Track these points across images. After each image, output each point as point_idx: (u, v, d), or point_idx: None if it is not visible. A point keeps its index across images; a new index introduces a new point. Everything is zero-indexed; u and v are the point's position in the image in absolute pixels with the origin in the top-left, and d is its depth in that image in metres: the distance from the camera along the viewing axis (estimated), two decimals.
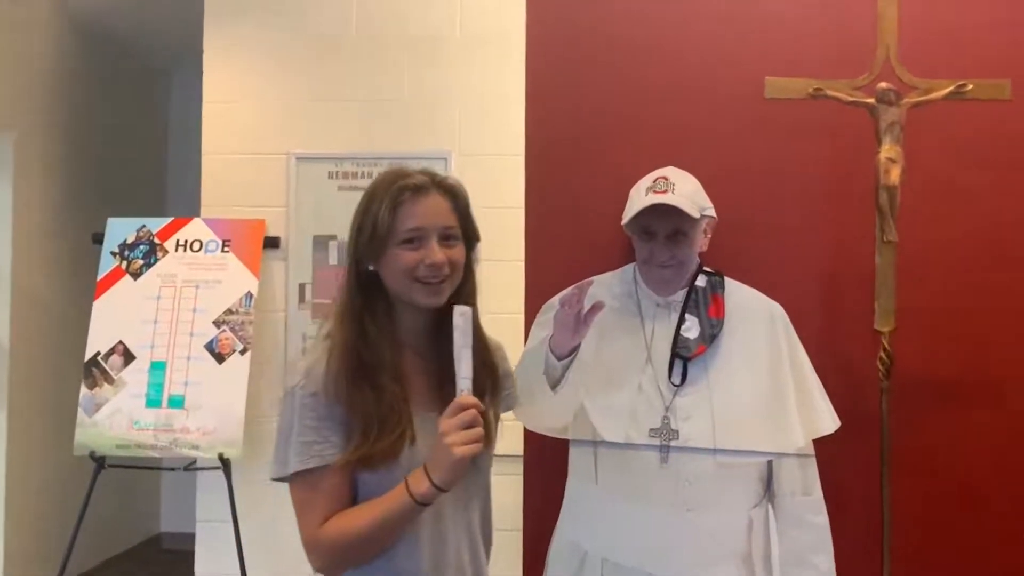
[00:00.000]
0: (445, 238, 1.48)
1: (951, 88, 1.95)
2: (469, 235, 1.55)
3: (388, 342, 1.48)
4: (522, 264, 2.26)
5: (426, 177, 1.50)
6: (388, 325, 1.50)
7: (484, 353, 1.56)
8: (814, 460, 1.95)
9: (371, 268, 1.50)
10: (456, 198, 1.53)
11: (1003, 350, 2.11)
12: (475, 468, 1.52)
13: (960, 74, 1.98)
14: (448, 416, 1.37)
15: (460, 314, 1.41)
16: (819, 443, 1.95)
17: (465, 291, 1.54)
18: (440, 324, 1.49)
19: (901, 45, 1.99)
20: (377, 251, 1.48)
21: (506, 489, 2.93)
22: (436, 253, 1.46)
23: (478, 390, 1.47)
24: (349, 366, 1.44)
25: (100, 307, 3.36)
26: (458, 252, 1.51)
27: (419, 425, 1.46)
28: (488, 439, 1.52)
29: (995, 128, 2.12)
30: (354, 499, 1.46)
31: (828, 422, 1.95)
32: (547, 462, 2.13)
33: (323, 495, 1.43)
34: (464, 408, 1.37)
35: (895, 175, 1.90)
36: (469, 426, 1.36)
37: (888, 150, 1.92)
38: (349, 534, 1.42)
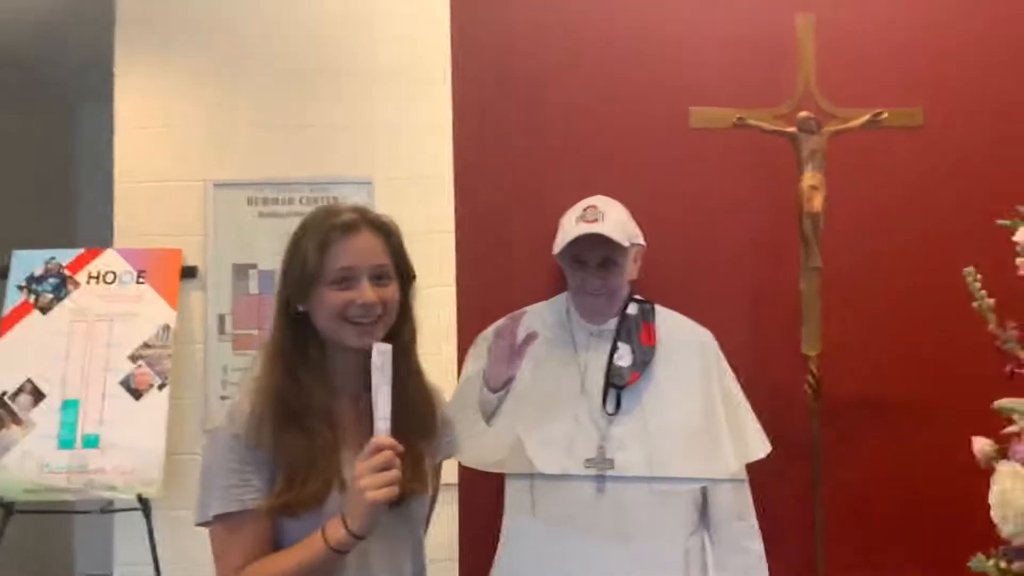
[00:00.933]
0: (377, 277, 1.43)
1: (868, 117, 2.01)
2: (403, 273, 1.50)
3: (319, 386, 1.43)
4: (451, 289, 2.23)
5: (356, 215, 1.45)
6: (320, 368, 1.44)
7: (422, 395, 1.52)
8: (747, 485, 1.97)
9: (301, 309, 1.44)
10: (388, 235, 1.48)
11: (928, 369, 2.17)
12: (404, 517, 1.47)
13: (878, 101, 2.03)
14: (363, 458, 1.32)
15: (379, 352, 1.36)
16: (752, 468, 1.97)
17: (404, 332, 1.50)
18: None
19: (820, 74, 2.04)
20: (306, 291, 1.42)
21: (441, 519, 2.90)
22: (367, 293, 1.41)
23: (415, 434, 1.44)
24: (275, 411, 1.39)
25: (6, 344, 3.20)
26: (391, 291, 1.45)
27: (348, 473, 1.39)
28: (421, 483, 1.47)
29: (911, 154, 2.19)
30: (275, 546, 1.40)
31: (760, 446, 1.97)
32: (482, 491, 2.10)
33: (241, 541, 1.38)
34: (380, 449, 1.31)
35: (817, 202, 1.94)
36: (384, 468, 1.31)
37: (810, 178, 1.96)
38: None
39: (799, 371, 2.04)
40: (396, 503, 1.37)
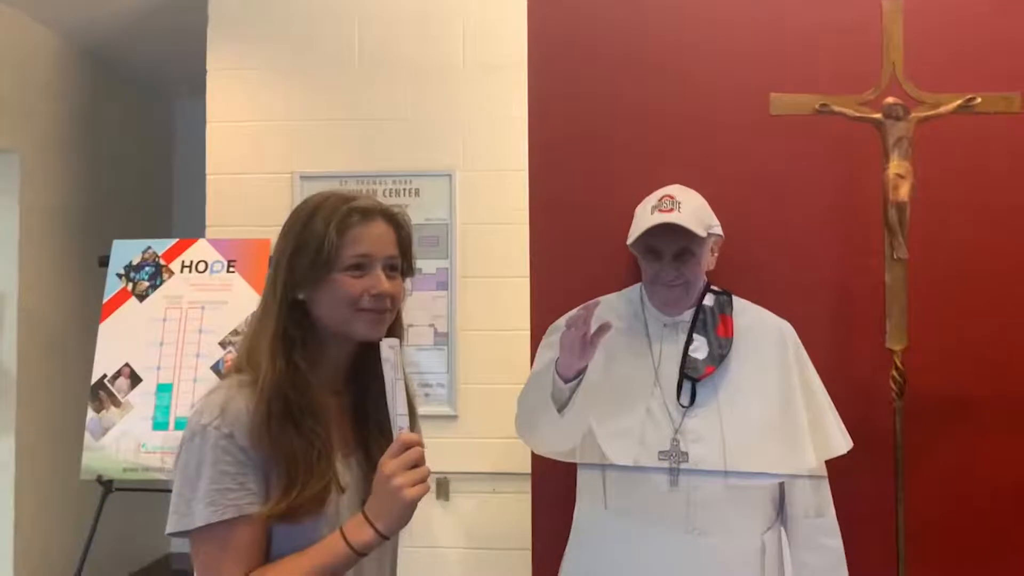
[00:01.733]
0: (390, 268, 1.38)
1: (959, 102, 1.92)
2: (405, 268, 1.44)
3: (318, 381, 1.35)
4: (526, 281, 2.24)
5: (371, 202, 1.39)
6: (313, 363, 1.36)
7: (410, 392, 1.43)
8: (827, 482, 1.92)
9: (300, 297, 1.35)
10: (400, 229, 1.42)
11: (1020, 366, 2.07)
12: None
13: (967, 88, 1.94)
14: (391, 456, 1.26)
15: (389, 347, 1.30)
16: (832, 464, 1.92)
17: (397, 330, 1.43)
18: (357, 360, 1.41)
19: (907, 60, 1.96)
20: (316, 277, 1.34)
21: (515, 508, 2.92)
22: (383, 282, 1.35)
23: (414, 430, 1.38)
24: (275, 406, 1.29)
25: (106, 329, 3.36)
26: (399, 286, 1.40)
27: (342, 471, 1.34)
28: None
29: (1004, 141, 2.09)
30: (267, 554, 1.30)
31: (841, 443, 1.92)
32: (556, 480, 2.10)
33: (238, 552, 1.27)
34: (407, 446, 1.26)
35: (904, 191, 1.87)
36: (415, 465, 1.26)
37: (896, 166, 1.89)
38: None
39: (883, 366, 1.97)
40: None
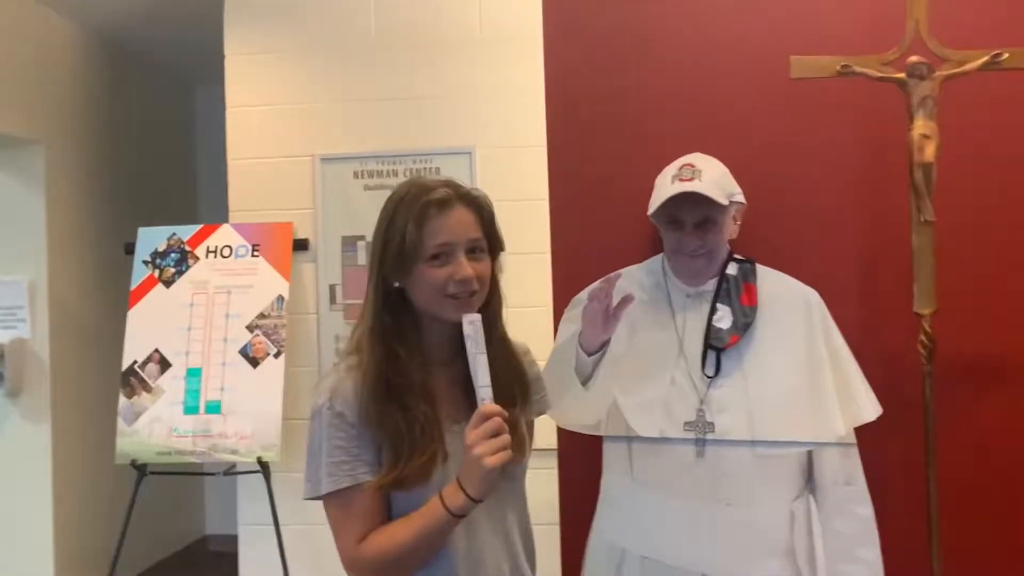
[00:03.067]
0: (472, 251, 1.47)
1: (986, 59, 1.86)
2: (493, 245, 1.53)
3: (417, 362, 1.47)
4: (548, 256, 2.22)
5: (450, 190, 1.48)
6: (416, 344, 1.49)
7: (511, 360, 1.55)
8: (856, 449, 1.90)
9: (397, 285, 1.48)
10: (481, 209, 1.51)
11: None
12: (507, 477, 1.50)
13: (993, 44, 1.89)
14: (472, 427, 1.37)
15: (469, 323, 1.40)
16: (861, 432, 1.89)
17: (493, 303, 1.53)
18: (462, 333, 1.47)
19: (931, 17, 1.91)
20: (404, 268, 1.46)
21: (542, 483, 2.92)
22: (465, 268, 1.44)
23: (507, 399, 1.46)
24: (378, 391, 1.43)
25: (134, 316, 3.41)
26: (485, 265, 1.49)
27: (451, 439, 1.46)
28: (520, 447, 1.50)
29: None
30: (389, 516, 1.46)
31: (869, 409, 1.89)
32: (582, 455, 2.10)
33: (357, 514, 1.44)
34: (487, 417, 1.36)
35: (930, 152, 1.83)
36: (495, 435, 1.36)
37: (921, 126, 1.84)
38: (388, 552, 1.42)
39: (911, 331, 1.93)
40: None
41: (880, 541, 1.86)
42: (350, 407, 1.43)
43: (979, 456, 2.04)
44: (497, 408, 1.37)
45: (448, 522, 1.39)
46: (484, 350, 1.39)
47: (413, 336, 1.49)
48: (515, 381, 1.54)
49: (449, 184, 1.49)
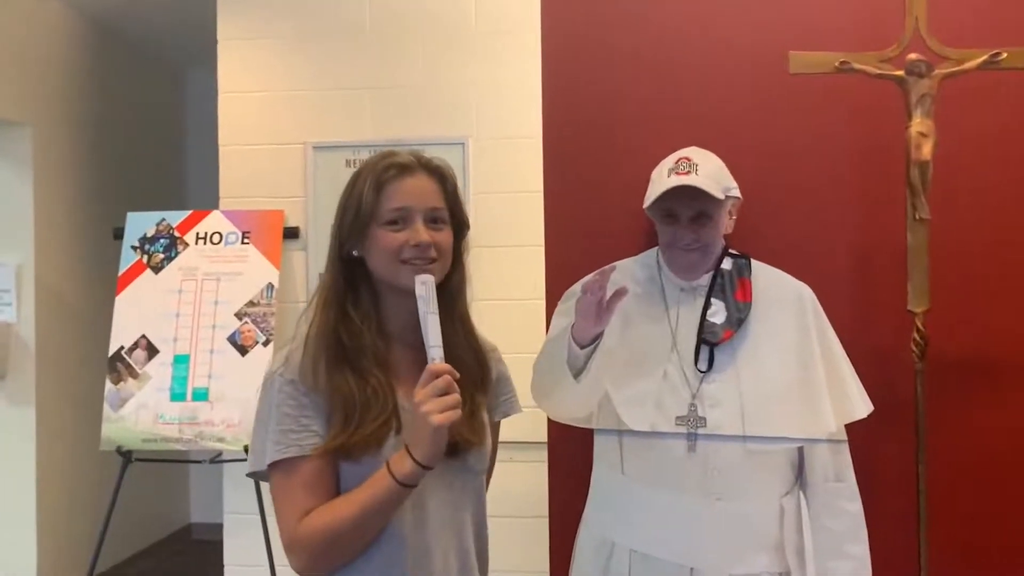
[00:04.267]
0: (432, 220, 1.43)
1: (984, 57, 1.87)
2: (458, 221, 1.49)
3: (372, 328, 1.42)
4: (542, 249, 2.21)
5: (412, 157, 1.45)
6: (372, 311, 1.44)
7: (472, 342, 1.51)
8: (847, 446, 1.90)
9: (355, 253, 1.44)
10: (444, 180, 1.47)
11: None
12: (465, 469, 1.46)
13: (992, 43, 1.89)
14: (420, 386, 1.31)
15: (421, 283, 1.36)
16: (852, 428, 1.90)
17: (454, 280, 1.49)
18: None
19: (930, 14, 1.91)
20: (361, 232, 1.42)
21: (531, 476, 2.92)
22: (421, 233, 1.40)
23: (470, 384, 1.42)
24: (329, 352, 1.38)
25: (122, 302, 3.38)
26: (445, 236, 1.45)
27: (405, 418, 1.38)
28: (480, 433, 1.46)
29: None
30: (336, 493, 1.37)
31: (860, 406, 1.89)
32: (572, 448, 2.10)
33: (302, 487, 1.35)
34: (436, 376, 1.30)
35: (927, 150, 1.83)
36: (444, 393, 1.29)
37: (919, 124, 1.84)
38: (330, 528, 1.33)
39: (904, 329, 1.94)
40: (452, 454, 1.37)
41: (869, 537, 1.86)
42: (303, 372, 1.37)
43: (969, 454, 2.05)
44: (447, 367, 1.31)
45: (394, 492, 1.31)
46: (435, 310, 1.35)
47: (368, 303, 1.44)
48: (476, 363, 1.49)
49: (413, 154, 1.46)
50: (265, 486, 3.16)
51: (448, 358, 1.34)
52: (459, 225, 1.49)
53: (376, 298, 1.46)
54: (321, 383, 1.37)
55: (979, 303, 2.04)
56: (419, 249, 1.40)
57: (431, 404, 1.29)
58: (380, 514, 1.34)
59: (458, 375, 1.33)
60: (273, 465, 1.37)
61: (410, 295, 1.38)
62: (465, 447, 1.42)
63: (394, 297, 1.44)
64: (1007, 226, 2.05)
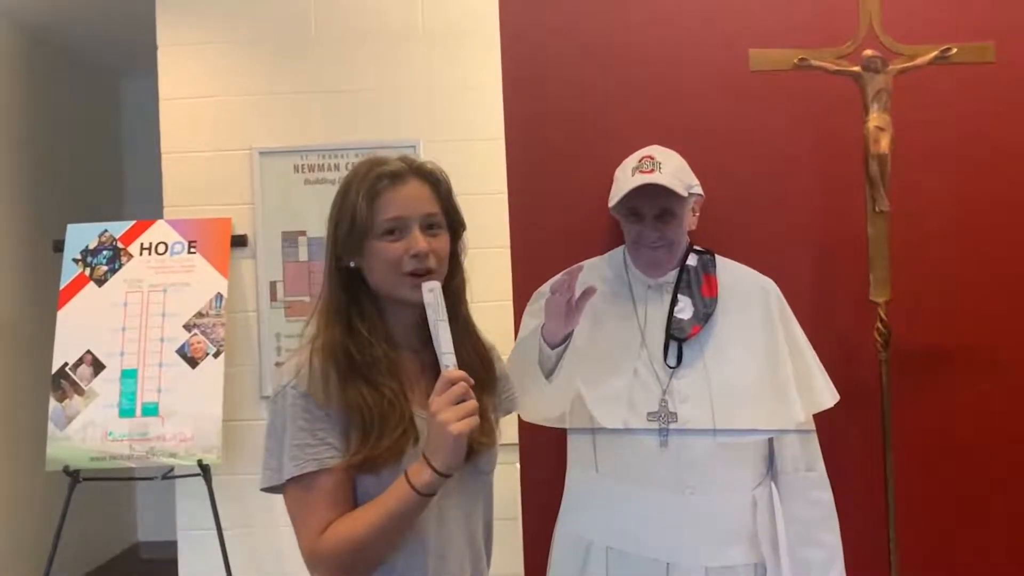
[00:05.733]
0: (428, 226, 1.41)
1: (935, 53, 1.92)
2: (454, 223, 1.48)
3: (380, 340, 1.40)
4: (505, 251, 2.21)
5: (403, 164, 1.42)
6: (378, 323, 1.42)
7: (476, 344, 1.51)
8: (815, 436, 1.93)
9: (352, 265, 1.42)
10: (438, 184, 1.45)
11: (1001, 317, 2.10)
12: (477, 471, 1.46)
13: (943, 39, 1.95)
14: (436, 394, 1.30)
15: (429, 290, 1.35)
16: (819, 418, 1.93)
17: (454, 284, 1.47)
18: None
19: (884, 11, 1.96)
20: (357, 245, 1.40)
21: (503, 478, 2.90)
22: (420, 242, 1.38)
23: (479, 386, 1.40)
24: (340, 366, 1.36)
25: (65, 316, 3.27)
26: (442, 242, 1.43)
27: (421, 425, 1.37)
28: (490, 434, 1.46)
29: (981, 91, 2.10)
30: (355, 505, 1.36)
31: (827, 396, 1.93)
32: (544, 449, 2.09)
33: (322, 502, 1.34)
34: (452, 383, 1.29)
35: (885, 144, 1.87)
36: (460, 401, 1.29)
37: (876, 119, 1.89)
38: (351, 539, 1.32)
39: (867, 319, 1.98)
40: (467, 457, 1.35)
41: (839, 524, 1.90)
42: (315, 386, 1.35)
43: (934, 441, 2.10)
44: (461, 373, 1.31)
45: (415, 503, 1.30)
46: (445, 317, 1.34)
47: (373, 314, 1.42)
48: (481, 365, 1.48)
49: (404, 158, 1.44)
50: (221, 501, 3.10)
51: (457, 360, 1.34)
52: (455, 227, 1.48)
53: (379, 308, 1.44)
54: (334, 397, 1.35)
55: (940, 292, 2.10)
56: (418, 259, 1.38)
57: (449, 413, 1.28)
58: (402, 524, 1.33)
59: (472, 381, 1.32)
60: (291, 480, 1.35)
61: (411, 305, 1.38)
62: (477, 449, 1.41)
63: (396, 306, 1.43)
64: (965, 216, 2.11)
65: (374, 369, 1.37)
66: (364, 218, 1.38)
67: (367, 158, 1.45)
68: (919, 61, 1.93)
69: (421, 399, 1.39)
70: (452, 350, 1.33)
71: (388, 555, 1.36)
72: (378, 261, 1.39)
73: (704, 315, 1.92)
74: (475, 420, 1.30)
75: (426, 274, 1.38)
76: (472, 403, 1.30)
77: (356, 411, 1.35)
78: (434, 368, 1.38)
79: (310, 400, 1.35)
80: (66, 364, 3.22)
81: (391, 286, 1.40)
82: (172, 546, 3.45)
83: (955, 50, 1.92)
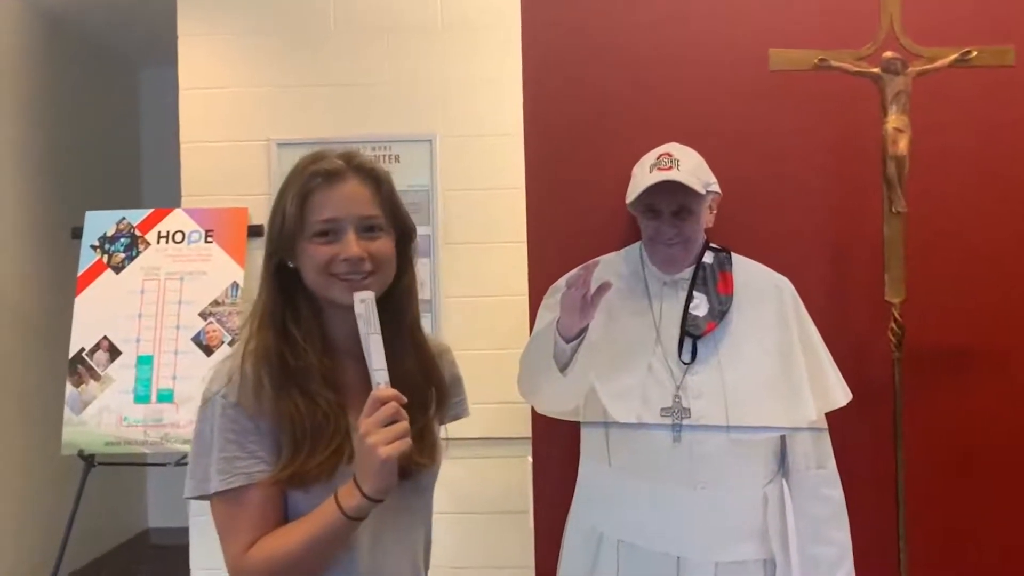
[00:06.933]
0: (367, 229, 1.31)
1: (956, 56, 1.93)
2: (400, 226, 1.37)
3: (316, 347, 1.31)
4: (519, 245, 2.22)
5: (341, 161, 1.32)
6: (315, 328, 1.33)
7: (423, 358, 1.41)
8: (827, 434, 1.94)
9: (291, 265, 1.33)
10: (379, 183, 1.34)
11: (1014, 319, 2.11)
12: (415, 491, 1.39)
13: (963, 42, 1.96)
14: (365, 415, 1.20)
15: (360, 301, 1.25)
16: (832, 417, 1.94)
17: (400, 289, 1.38)
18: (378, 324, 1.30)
19: (905, 13, 1.97)
20: (290, 246, 1.31)
21: (507, 472, 2.93)
22: (352, 246, 1.28)
23: (420, 402, 1.34)
24: (273, 373, 1.28)
25: (82, 303, 3.30)
26: (382, 245, 1.32)
27: (356, 440, 1.25)
28: (431, 452, 1.38)
29: (1001, 94, 2.11)
30: (284, 520, 1.29)
31: (840, 395, 1.94)
32: (556, 442, 2.11)
33: (248, 517, 1.26)
34: (383, 402, 1.20)
35: (903, 145, 1.88)
36: (391, 422, 1.20)
37: (895, 120, 1.90)
38: (277, 559, 1.25)
39: (882, 319, 1.99)
40: (405, 476, 1.29)
41: (849, 522, 1.91)
42: (246, 396, 1.26)
43: (945, 441, 2.11)
44: (393, 392, 1.21)
45: (343, 525, 1.22)
46: (378, 330, 1.24)
47: (310, 319, 1.33)
48: (429, 383, 1.39)
49: (344, 155, 1.33)
50: None
51: (396, 374, 1.25)
52: (402, 230, 1.38)
53: (317, 312, 1.35)
54: (266, 407, 1.27)
55: (954, 293, 2.11)
56: (350, 263, 1.29)
57: (377, 436, 1.18)
58: (328, 546, 1.26)
59: (405, 400, 1.22)
60: (218, 493, 1.27)
61: (350, 309, 1.28)
62: (416, 470, 1.34)
63: (337, 313, 1.34)
64: (981, 218, 2.12)
65: (309, 377, 1.29)
66: (294, 219, 1.29)
67: (310, 153, 1.36)
68: (939, 63, 1.94)
69: (360, 410, 1.27)
70: (384, 366, 1.23)
71: (317, 574, 1.29)
72: (310, 263, 1.30)
73: (719, 312, 1.94)
74: (406, 443, 1.20)
75: (361, 279, 1.30)
76: (402, 425, 1.20)
77: (288, 422, 1.27)
78: None
79: (240, 411, 1.27)
80: (83, 350, 3.25)
81: (323, 289, 1.31)
82: (182, 532, 3.47)
83: (975, 53, 1.93)
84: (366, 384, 1.26)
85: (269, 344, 1.30)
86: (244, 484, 1.26)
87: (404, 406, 1.22)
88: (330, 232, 1.29)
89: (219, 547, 3.10)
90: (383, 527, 1.33)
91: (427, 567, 1.48)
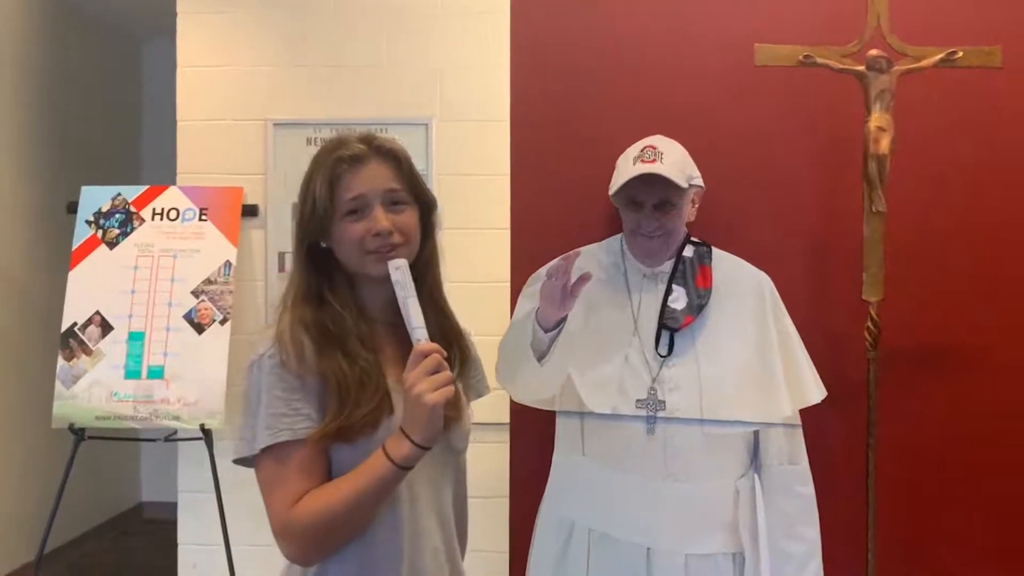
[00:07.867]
0: (392, 203, 1.41)
1: (941, 55, 1.92)
2: (422, 199, 1.47)
3: (353, 314, 1.41)
4: (507, 232, 2.23)
5: (363, 145, 1.42)
6: (351, 299, 1.43)
7: (446, 321, 1.51)
8: (801, 430, 1.95)
9: (324, 245, 1.43)
10: (399, 161, 1.44)
11: (990, 319, 2.11)
12: (449, 448, 1.46)
13: (949, 42, 1.95)
14: (410, 368, 1.30)
15: (395, 268, 1.36)
16: (806, 413, 1.95)
17: (423, 258, 1.47)
18: None
19: (892, 12, 1.96)
20: (323, 228, 1.41)
21: (493, 457, 2.94)
22: (381, 220, 1.38)
23: (447, 361, 1.38)
24: (316, 337, 1.36)
25: (76, 277, 3.31)
26: (408, 217, 1.42)
27: (397, 399, 1.37)
28: (457, 413, 1.44)
29: (986, 95, 2.10)
30: (329, 477, 1.35)
31: (815, 392, 1.95)
32: (533, 430, 2.13)
33: (295, 472, 1.32)
34: (425, 355, 1.29)
35: (885, 144, 1.88)
36: (434, 372, 1.29)
37: (878, 119, 1.90)
38: (325, 512, 1.31)
39: (859, 318, 2.00)
40: None
41: (820, 519, 1.92)
42: (291, 356, 1.34)
43: (918, 439, 2.12)
44: (434, 345, 1.31)
45: (392, 475, 1.29)
46: (414, 293, 1.35)
47: (346, 291, 1.43)
48: (453, 342, 1.48)
49: (365, 139, 1.43)
50: (222, 465, 3.15)
51: (428, 336, 1.34)
52: (424, 202, 1.48)
53: (352, 284, 1.44)
54: (310, 366, 1.35)
55: (931, 294, 2.11)
56: (380, 237, 1.39)
57: (424, 384, 1.28)
58: (376, 497, 1.33)
59: (445, 353, 1.32)
60: (264, 450, 1.33)
61: (383, 281, 1.38)
62: (446, 423, 1.38)
63: (371, 286, 1.44)
64: (960, 220, 2.12)
65: (349, 340, 1.38)
66: (326, 201, 1.39)
67: (331, 139, 1.45)
68: (924, 63, 1.93)
69: (395, 372, 1.39)
70: (423, 324, 1.33)
71: (359, 530, 1.35)
72: (344, 241, 1.40)
73: (698, 306, 1.94)
74: (451, 391, 1.29)
75: (390, 251, 1.39)
76: (446, 374, 1.30)
77: (332, 379, 1.35)
78: (409, 343, 1.36)
79: (285, 370, 1.34)
80: (75, 324, 3.27)
81: (357, 264, 1.41)
82: (174, 507, 3.51)
83: (961, 53, 1.92)
84: (401, 350, 1.38)
85: (309, 315, 1.38)
86: (290, 439, 1.32)
87: None
88: (359, 209, 1.39)
89: (205, 522, 3.09)
90: (417, 484, 1.39)
91: (464, 533, 1.55)
